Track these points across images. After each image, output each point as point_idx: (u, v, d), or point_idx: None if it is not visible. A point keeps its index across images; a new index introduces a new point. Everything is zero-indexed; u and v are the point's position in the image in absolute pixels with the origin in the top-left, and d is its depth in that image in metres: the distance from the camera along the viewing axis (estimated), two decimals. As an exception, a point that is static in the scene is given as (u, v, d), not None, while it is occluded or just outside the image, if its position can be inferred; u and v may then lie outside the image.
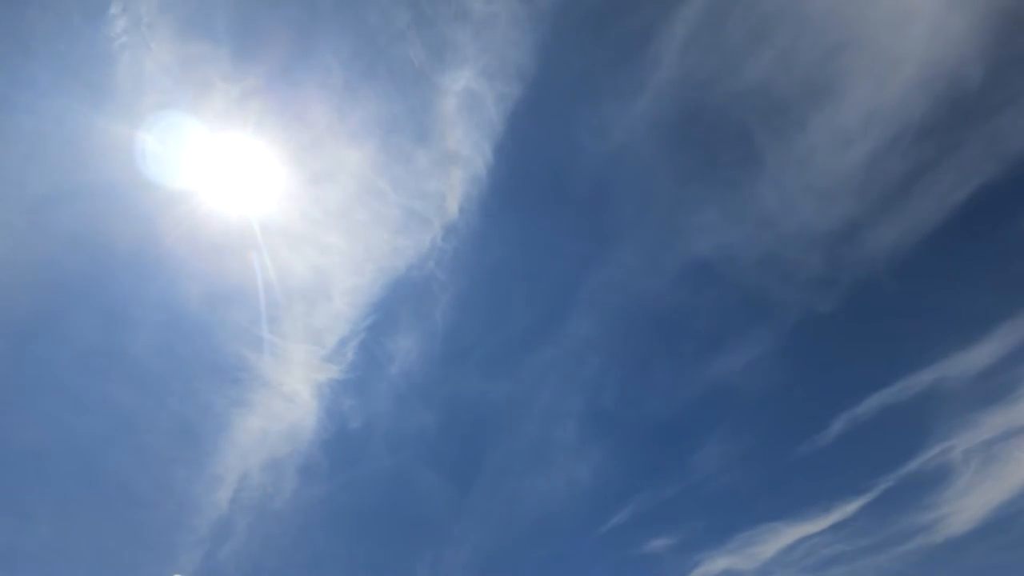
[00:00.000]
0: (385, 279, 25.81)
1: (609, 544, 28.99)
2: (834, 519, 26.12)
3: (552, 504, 29.94)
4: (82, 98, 20.61)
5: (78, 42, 20.08)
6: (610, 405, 29.98)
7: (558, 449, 30.22)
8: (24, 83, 19.93)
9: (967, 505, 24.37)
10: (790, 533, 26.84)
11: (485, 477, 30.00)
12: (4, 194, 21.23)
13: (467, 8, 21.95)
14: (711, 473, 28.53)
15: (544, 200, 27.05)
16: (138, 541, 25.60)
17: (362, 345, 26.74)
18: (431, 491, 29.94)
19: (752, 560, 27.08)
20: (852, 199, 24.19)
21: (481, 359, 29.17)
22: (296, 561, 27.46)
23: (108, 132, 21.07)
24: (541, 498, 29.99)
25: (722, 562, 27.38)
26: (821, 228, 24.94)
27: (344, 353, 26.64)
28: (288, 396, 26.58)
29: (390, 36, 22.48)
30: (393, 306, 26.71)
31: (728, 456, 28.72)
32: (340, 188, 24.59)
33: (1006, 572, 24.25)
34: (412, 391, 28.46)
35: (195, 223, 23.91)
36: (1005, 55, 20.47)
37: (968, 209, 22.70)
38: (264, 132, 22.70)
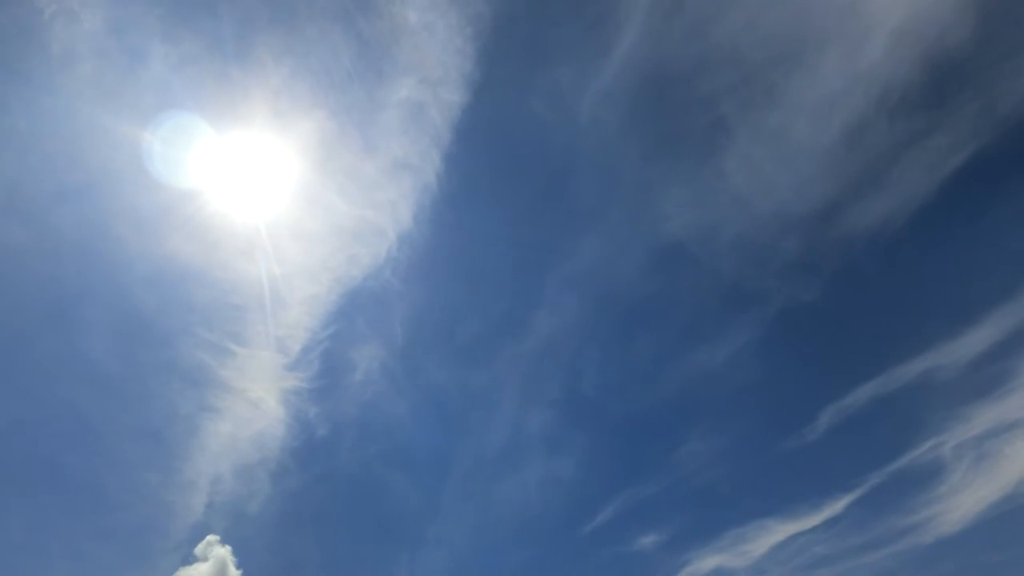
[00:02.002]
0: (342, 288, 25.89)
1: (596, 542, 28.38)
2: (825, 516, 24.97)
3: (534, 503, 29.40)
4: (17, 72, 20.14)
5: (6, 15, 19.54)
6: (587, 402, 29.10)
7: (535, 448, 29.54)
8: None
9: (959, 503, 22.92)
10: (781, 531, 25.73)
11: (460, 478, 29.60)
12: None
13: (403, 18, 21.27)
14: (697, 468, 27.54)
15: (502, 197, 26.06)
16: (117, 546, 26.09)
17: (324, 354, 26.83)
18: (404, 494, 29.75)
19: (743, 558, 26.10)
20: (831, 175, 22.43)
21: (446, 362, 28.67)
22: (275, 564, 27.68)
23: (43, 104, 20.63)
24: (522, 498, 29.46)
25: (713, 560, 26.51)
26: (799, 209, 23.26)
27: (308, 361, 26.65)
28: (254, 403, 26.57)
29: (325, 42, 21.75)
30: (352, 315, 26.67)
31: (713, 451, 27.66)
32: (290, 197, 24.17)
33: (1000, 572, 22.68)
34: (377, 397, 28.23)
35: (152, 216, 23.64)
36: (996, 7, 18.26)
37: (959, 182, 20.81)
38: (207, 110, 22.05)
